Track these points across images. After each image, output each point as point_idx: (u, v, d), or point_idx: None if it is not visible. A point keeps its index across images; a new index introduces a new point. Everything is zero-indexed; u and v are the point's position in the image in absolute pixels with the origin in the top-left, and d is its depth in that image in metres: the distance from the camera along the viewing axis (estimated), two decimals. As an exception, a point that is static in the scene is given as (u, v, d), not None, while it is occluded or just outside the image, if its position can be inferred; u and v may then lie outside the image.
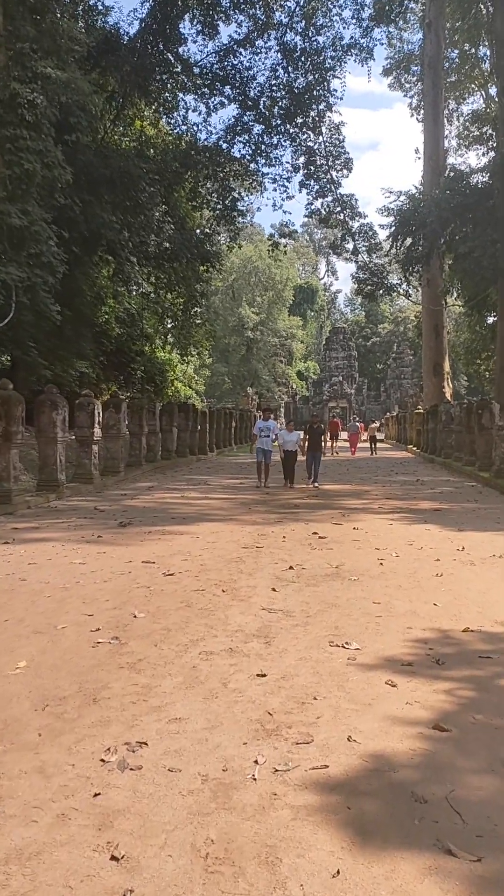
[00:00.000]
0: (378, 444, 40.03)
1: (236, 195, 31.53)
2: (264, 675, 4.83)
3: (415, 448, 36.77)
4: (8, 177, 20.52)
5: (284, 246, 35.39)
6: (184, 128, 32.80)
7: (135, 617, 6.20)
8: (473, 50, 43.95)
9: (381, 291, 33.19)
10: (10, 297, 20.40)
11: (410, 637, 5.70)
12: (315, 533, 10.86)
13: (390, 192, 31.76)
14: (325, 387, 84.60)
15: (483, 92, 47.67)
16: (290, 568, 8.28)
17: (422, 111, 44.52)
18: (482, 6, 30.70)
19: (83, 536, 10.38)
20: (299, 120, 30.35)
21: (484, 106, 45.49)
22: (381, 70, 51.09)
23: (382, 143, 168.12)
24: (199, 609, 6.48)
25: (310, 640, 5.61)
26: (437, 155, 39.29)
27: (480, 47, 42.90)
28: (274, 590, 7.23)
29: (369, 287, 31.92)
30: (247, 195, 34.14)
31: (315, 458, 18.85)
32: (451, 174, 30.16)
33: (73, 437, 17.38)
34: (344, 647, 5.43)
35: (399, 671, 4.91)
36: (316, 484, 18.49)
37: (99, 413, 17.53)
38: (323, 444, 19.27)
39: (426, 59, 41.39)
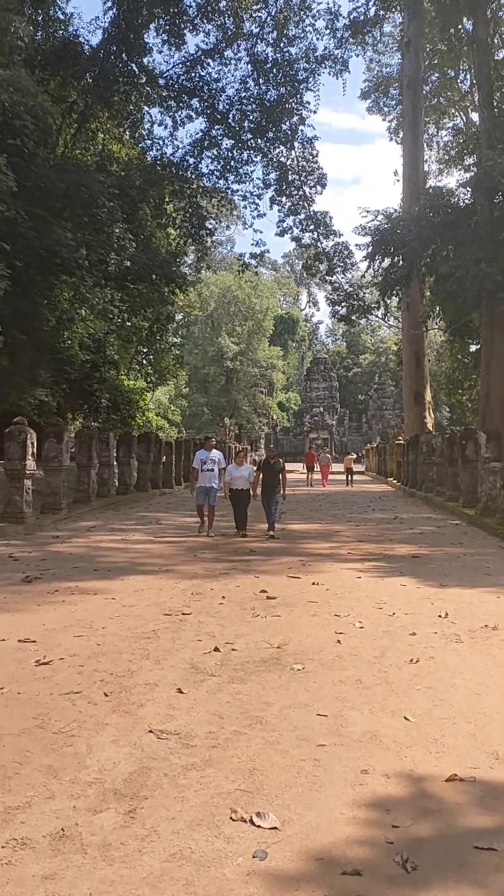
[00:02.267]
0: (356, 477, 39.74)
1: (204, 213, 29.65)
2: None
3: (395, 481, 34.85)
4: None
5: (255, 267, 33.46)
6: (149, 142, 31.07)
7: None
8: (453, 73, 42.84)
9: (357, 315, 31.35)
10: None
11: (364, 797, 3.57)
12: (263, 591, 8.73)
13: (367, 212, 29.99)
14: (306, 417, 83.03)
15: (463, 116, 46.55)
16: (216, 650, 6.15)
17: (401, 133, 43.20)
18: (464, 17, 29.25)
19: (-32, 598, 8.21)
20: (270, 134, 28.64)
21: (464, 129, 44.31)
22: (358, 93, 49.85)
23: (365, 178, 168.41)
24: (53, 733, 4.33)
25: (201, 804, 3.48)
26: (416, 177, 37.74)
27: (460, 70, 41.80)
28: (181, 691, 5.09)
29: (345, 308, 30.08)
30: (216, 213, 32.20)
31: (271, 501, 14.74)
32: (432, 192, 28.46)
33: (3, 468, 15.25)
34: (253, 823, 3.29)
35: (337, 893, 2.79)
36: (272, 534, 14.41)
37: (33, 444, 15.37)
38: (281, 483, 14.84)
39: (405, 80, 40.10)
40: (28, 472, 15.11)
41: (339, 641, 6.48)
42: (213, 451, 15.45)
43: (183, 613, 7.54)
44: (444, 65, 40.84)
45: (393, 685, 5.30)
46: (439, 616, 7.51)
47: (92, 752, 4.06)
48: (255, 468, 15.12)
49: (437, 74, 43.95)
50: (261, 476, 14.81)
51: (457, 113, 47.35)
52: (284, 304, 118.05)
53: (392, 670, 5.66)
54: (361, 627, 7.03)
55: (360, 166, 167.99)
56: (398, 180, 42.22)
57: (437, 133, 48.96)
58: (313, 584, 9.33)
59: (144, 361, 33.05)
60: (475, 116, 41.61)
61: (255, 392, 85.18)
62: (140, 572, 10.07)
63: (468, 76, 41.78)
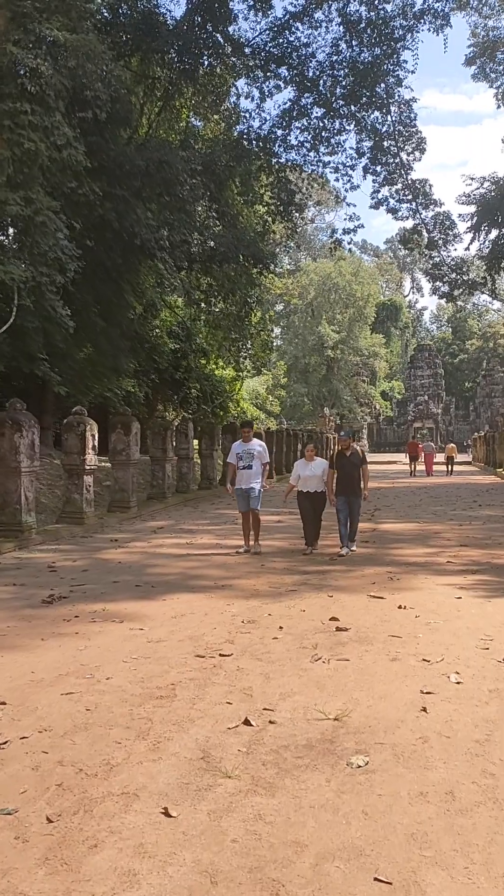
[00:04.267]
0: (459, 468, 39.60)
1: (294, 187, 27.65)
2: None
3: (505, 472, 32.09)
4: (8, 159, 17.40)
5: (349, 243, 31.27)
6: (235, 116, 29.27)
7: None
8: None
9: (461, 291, 28.74)
10: (12, 299, 17.24)
11: None
12: (334, 619, 6.86)
13: (471, 179, 27.48)
14: (409, 406, 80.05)
15: None
16: (246, 722, 4.34)
17: (509, 97, 40.05)
18: None
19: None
20: (364, 99, 26.34)
21: None
22: (463, 60, 46.66)
23: (471, 161, 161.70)
24: None
25: None
26: (526, 143, 34.70)
27: None
28: (167, 813, 3.30)
29: (447, 285, 27.56)
30: (306, 188, 30.12)
31: (349, 505, 11.23)
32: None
33: (61, 463, 13.86)
34: None
35: None
36: (347, 550, 11.14)
37: (94, 436, 13.91)
38: (362, 480, 11.31)
39: (513, 38, 37.05)
40: (88, 467, 13.67)
41: (424, 709, 4.56)
42: (254, 441, 11.84)
43: (221, 654, 5.76)
44: None
45: (504, 805, 3.37)
46: None
47: None
48: (326, 465, 11.52)
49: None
50: (334, 474, 11.34)
51: None
52: (387, 290, 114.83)
53: None
54: (459, 683, 5.07)
55: (467, 148, 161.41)
56: (506, 148, 39.13)
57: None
58: (399, 607, 7.39)
59: (233, 348, 31.36)
60: None
61: (357, 381, 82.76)
62: (189, 589, 8.36)
63: None
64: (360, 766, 3.76)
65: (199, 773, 3.69)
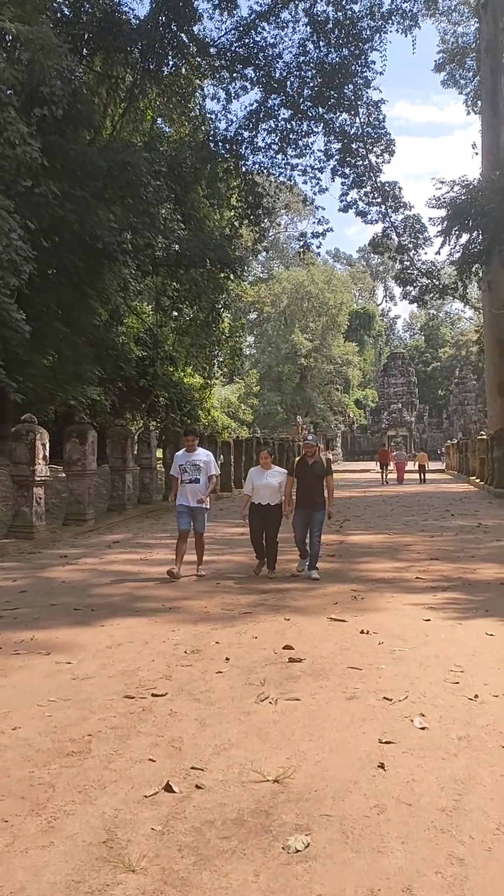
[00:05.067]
0: (432, 476, 39.74)
1: (261, 190, 27.02)
2: None
3: (478, 480, 31.60)
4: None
5: (318, 247, 30.75)
6: (200, 118, 28.58)
7: None
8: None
9: (431, 296, 28.25)
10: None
11: None
12: (288, 648, 6.14)
13: (442, 183, 27.00)
14: (383, 414, 79.80)
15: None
16: (168, 788, 3.60)
17: (479, 103, 39.85)
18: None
19: None
20: (332, 101, 25.79)
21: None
22: (433, 66, 46.57)
23: (442, 171, 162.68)
24: None
25: None
26: (497, 148, 34.27)
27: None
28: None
29: (417, 289, 27.01)
30: (274, 192, 29.52)
31: (309, 521, 9.84)
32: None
33: (10, 474, 13.04)
34: None
35: None
36: (313, 573, 9.65)
37: (44, 445, 13.11)
38: (326, 492, 9.97)
39: (483, 43, 36.86)
40: (38, 478, 12.86)
41: (382, 765, 3.84)
42: (199, 451, 10.25)
43: (153, 694, 5.00)
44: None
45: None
46: (551, 702, 4.80)
47: None
48: (284, 474, 10.10)
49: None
50: (294, 482, 9.96)
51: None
52: (360, 299, 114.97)
53: (477, 856, 3.01)
54: (424, 729, 4.37)
55: (439, 158, 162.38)
56: (476, 153, 38.82)
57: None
58: (362, 632, 6.69)
59: (201, 355, 30.64)
60: None
61: (331, 389, 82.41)
62: (132, 612, 7.59)
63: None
64: (298, 851, 3.04)
65: (96, 865, 2.94)
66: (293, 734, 4.30)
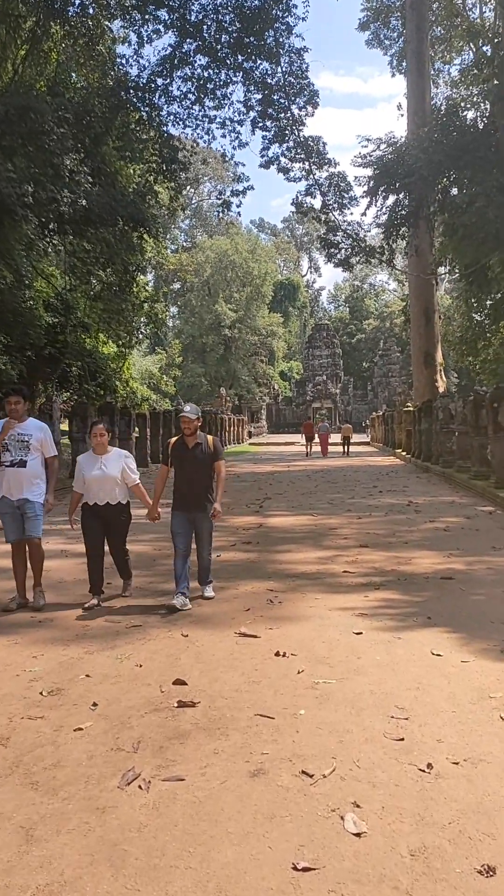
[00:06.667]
0: (357, 448, 39.96)
1: (176, 143, 25.11)
2: None
3: (404, 453, 30.76)
4: None
5: (238, 207, 29.13)
6: (110, 62, 26.44)
7: None
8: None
9: (357, 258, 26.98)
10: None
11: None
12: (179, 682, 4.67)
13: (368, 141, 25.59)
14: (308, 387, 78.91)
15: (473, 47, 41.69)
16: None
17: (405, 62, 38.57)
18: None
19: None
20: (252, 48, 24.02)
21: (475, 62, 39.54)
22: (356, 24, 45.02)
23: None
24: None
25: None
26: (423, 110, 33.00)
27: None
28: None
29: (342, 252, 25.68)
30: (191, 145, 27.57)
31: (195, 526, 7.13)
32: (444, 110, 23.94)
33: None
34: None
35: None
36: (207, 591, 7.19)
37: None
38: (215, 486, 7.16)
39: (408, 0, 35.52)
40: None
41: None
42: (29, 421, 7.08)
43: (-30, 779, 3.47)
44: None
45: None
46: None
47: None
48: (126, 458, 7.28)
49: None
50: (168, 472, 7.35)
51: (465, 46, 42.53)
52: (285, 269, 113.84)
53: None
54: (359, 836, 2.95)
55: (363, 130, 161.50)
56: (402, 115, 37.80)
57: (444, 69, 44.16)
58: (277, 654, 5.25)
59: (114, 322, 28.74)
60: (488, 50, 36.99)
61: (255, 361, 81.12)
62: (-11, 630, 6.01)
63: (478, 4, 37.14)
64: None
65: None
66: (163, 855, 2.82)
